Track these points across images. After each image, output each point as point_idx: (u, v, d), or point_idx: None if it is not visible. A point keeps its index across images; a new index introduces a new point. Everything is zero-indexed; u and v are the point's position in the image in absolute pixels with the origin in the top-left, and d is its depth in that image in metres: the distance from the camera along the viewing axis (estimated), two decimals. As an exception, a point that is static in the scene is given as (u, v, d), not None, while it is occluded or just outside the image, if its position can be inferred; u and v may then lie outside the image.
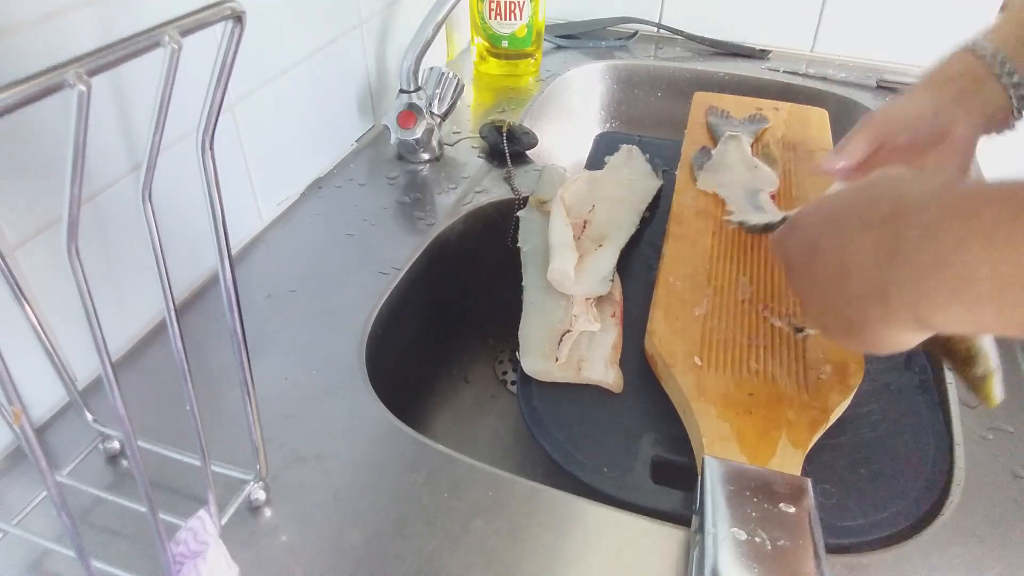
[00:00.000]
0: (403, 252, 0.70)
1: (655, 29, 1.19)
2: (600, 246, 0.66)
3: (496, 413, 0.78)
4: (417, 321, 0.73)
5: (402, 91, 0.81)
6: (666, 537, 0.45)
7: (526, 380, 0.56)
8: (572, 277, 0.61)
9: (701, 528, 0.40)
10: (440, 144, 0.85)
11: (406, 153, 0.84)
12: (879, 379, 0.56)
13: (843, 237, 0.38)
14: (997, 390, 0.44)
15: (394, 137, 0.82)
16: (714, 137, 0.79)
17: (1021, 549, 0.45)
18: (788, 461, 0.47)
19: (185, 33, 0.29)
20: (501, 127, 0.84)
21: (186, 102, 0.41)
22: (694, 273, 0.61)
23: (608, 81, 1.12)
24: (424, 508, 0.47)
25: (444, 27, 0.89)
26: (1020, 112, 0.56)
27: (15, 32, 0.43)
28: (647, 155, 0.80)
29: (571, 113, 1.10)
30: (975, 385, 0.45)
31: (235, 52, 0.32)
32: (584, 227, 0.69)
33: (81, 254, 0.29)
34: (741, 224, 0.62)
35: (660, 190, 0.76)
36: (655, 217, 0.74)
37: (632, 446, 0.51)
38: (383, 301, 0.64)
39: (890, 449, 0.51)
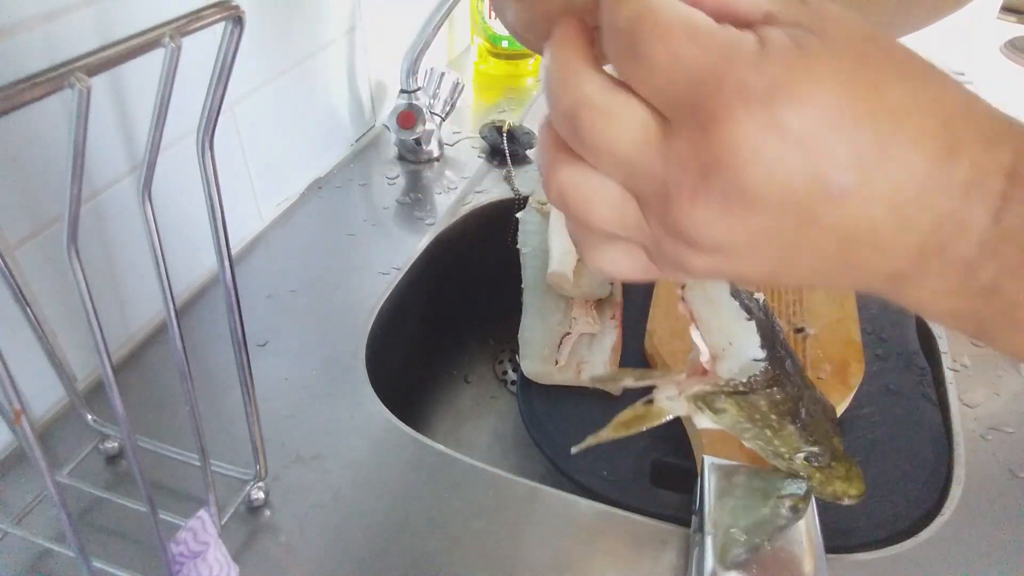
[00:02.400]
0: (403, 252, 0.70)
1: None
2: (600, 246, 0.66)
3: (496, 413, 0.78)
4: (417, 321, 0.73)
5: (402, 91, 0.81)
6: (666, 537, 0.45)
7: (526, 383, 0.56)
8: (571, 280, 0.61)
9: (701, 528, 0.40)
10: (440, 144, 0.85)
11: (406, 153, 0.84)
12: (879, 380, 0.56)
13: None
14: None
15: (394, 137, 0.82)
16: None
17: (1021, 549, 0.45)
18: (788, 461, 0.46)
19: (185, 33, 0.29)
20: (501, 127, 0.84)
21: (186, 102, 0.41)
22: (694, 273, 0.61)
23: (608, 81, 1.12)
24: (424, 508, 0.47)
25: (444, 27, 0.89)
26: None
27: (15, 32, 0.43)
28: (647, 155, 0.80)
29: (571, 113, 1.10)
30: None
31: (235, 52, 0.32)
32: (584, 227, 0.69)
33: (81, 254, 0.29)
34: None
35: (660, 190, 0.76)
36: (655, 217, 0.73)
37: (631, 449, 0.50)
38: (383, 301, 0.64)
39: (890, 450, 0.51)
